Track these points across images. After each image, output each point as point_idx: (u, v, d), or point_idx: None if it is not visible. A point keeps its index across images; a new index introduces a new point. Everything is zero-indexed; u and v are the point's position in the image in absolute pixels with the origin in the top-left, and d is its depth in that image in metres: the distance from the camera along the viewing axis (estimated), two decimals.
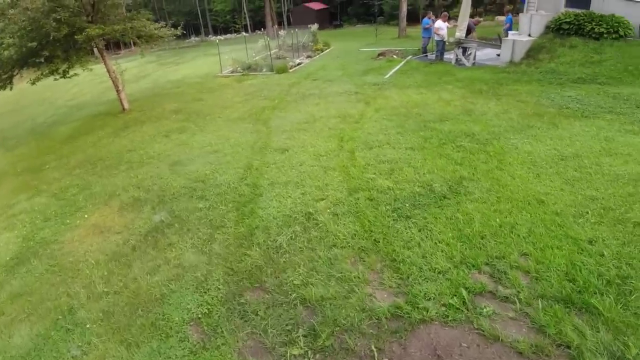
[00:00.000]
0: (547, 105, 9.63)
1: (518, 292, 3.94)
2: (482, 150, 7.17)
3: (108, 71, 14.23)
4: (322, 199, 6.09)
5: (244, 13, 52.05)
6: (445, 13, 16.63)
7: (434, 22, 18.55)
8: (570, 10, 13.73)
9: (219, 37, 47.90)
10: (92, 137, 12.14)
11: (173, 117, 12.56)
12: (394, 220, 5.30)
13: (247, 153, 8.39)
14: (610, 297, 3.72)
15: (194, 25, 58.01)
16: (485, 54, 16.30)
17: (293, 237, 5.25)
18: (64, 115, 16.76)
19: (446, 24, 16.20)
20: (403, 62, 16.50)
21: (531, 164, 6.56)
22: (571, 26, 13.19)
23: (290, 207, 5.99)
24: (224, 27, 55.16)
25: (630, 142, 7.10)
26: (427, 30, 18.14)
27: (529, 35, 13.84)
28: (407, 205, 5.58)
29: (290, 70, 17.49)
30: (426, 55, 18.06)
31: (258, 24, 49.58)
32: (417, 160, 6.94)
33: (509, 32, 14.89)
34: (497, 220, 5.13)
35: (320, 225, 5.41)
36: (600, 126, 8.08)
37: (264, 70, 18.28)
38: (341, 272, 4.49)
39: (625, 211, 5.03)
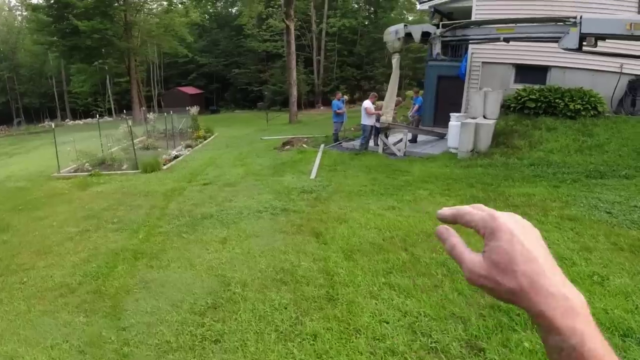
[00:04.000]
0: (615, 224, 5.69)
1: None
2: None
3: None
4: None
5: (108, 95, 44.73)
6: (374, 93, 12.85)
7: (344, 102, 14.79)
8: (527, 86, 10.81)
9: (77, 121, 39.74)
10: None
11: None
12: None
13: None
14: None
15: (49, 108, 48.48)
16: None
17: None
18: None
19: (374, 105, 12.36)
20: (320, 154, 12.00)
21: None
22: (539, 104, 10.09)
23: None
24: (84, 110, 46.71)
25: None
26: (340, 115, 14.20)
27: (484, 117, 10.44)
28: None
29: (165, 167, 11.76)
30: (340, 144, 13.99)
31: (124, 108, 42.69)
32: None
33: (454, 114, 11.45)
34: None
35: None
36: None
37: (125, 166, 12.26)
38: None
39: None
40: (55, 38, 33.66)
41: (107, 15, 33.17)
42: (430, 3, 18.36)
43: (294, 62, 23.42)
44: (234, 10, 47.51)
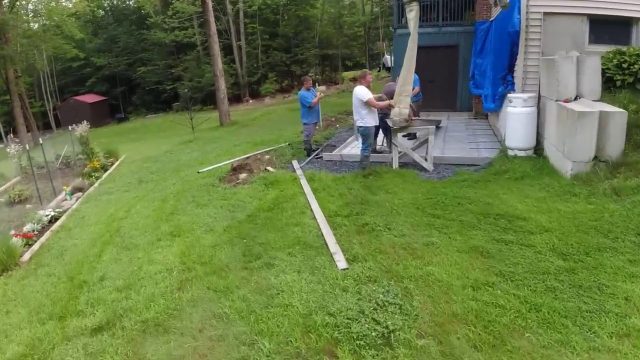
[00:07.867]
0: None
1: None
2: None
3: None
4: None
5: None
6: (366, 70, 7.93)
7: (315, 93, 9.81)
8: (600, 48, 6.61)
9: None
10: None
11: None
12: None
13: None
14: None
15: None
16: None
17: None
18: None
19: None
20: (305, 184, 7.01)
21: None
22: None
23: None
24: None
25: None
26: (313, 112, 9.24)
27: (578, 97, 6.05)
28: None
29: (27, 257, 6.03)
30: (318, 156, 9.12)
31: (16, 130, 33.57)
32: None
33: (509, 91, 6.99)
34: None
35: None
36: None
37: None
38: None
39: None
40: None
41: None
42: None
43: (217, 47, 17.56)
44: (132, 2, 39.54)
